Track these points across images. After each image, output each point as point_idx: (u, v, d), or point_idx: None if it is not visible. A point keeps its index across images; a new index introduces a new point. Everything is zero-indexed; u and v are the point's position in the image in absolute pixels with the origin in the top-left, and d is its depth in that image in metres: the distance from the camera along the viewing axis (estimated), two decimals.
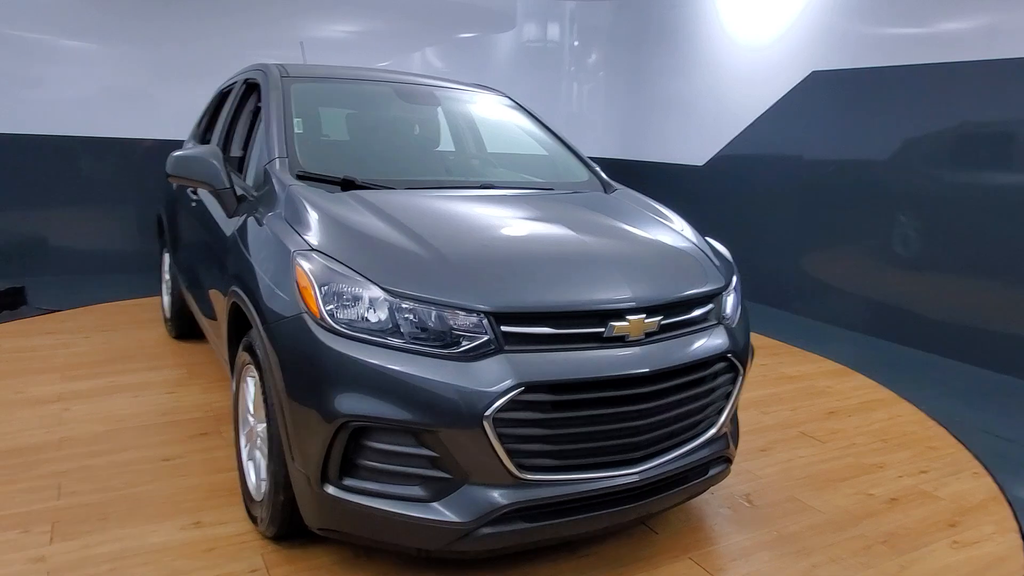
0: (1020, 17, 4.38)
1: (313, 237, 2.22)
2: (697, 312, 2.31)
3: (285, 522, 2.29)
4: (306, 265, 2.11)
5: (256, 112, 3.19)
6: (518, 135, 3.51)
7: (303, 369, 2.04)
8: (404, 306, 1.99)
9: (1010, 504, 2.90)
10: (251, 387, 2.52)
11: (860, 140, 5.45)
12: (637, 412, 2.09)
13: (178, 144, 4.53)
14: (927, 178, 4.98)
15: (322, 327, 2.01)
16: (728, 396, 2.38)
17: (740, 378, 2.39)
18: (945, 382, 4.42)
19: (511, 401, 1.91)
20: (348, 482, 2.02)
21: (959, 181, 4.80)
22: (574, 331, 2.05)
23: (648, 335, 2.14)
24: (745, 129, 6.41)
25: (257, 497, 2.44)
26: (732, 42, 6.57)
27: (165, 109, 6.30)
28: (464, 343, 1.97)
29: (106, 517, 2.54)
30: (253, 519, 2.47)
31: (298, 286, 2.10)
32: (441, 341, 1.97)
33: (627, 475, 2.10)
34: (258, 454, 2.45)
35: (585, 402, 2.02)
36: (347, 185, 2.58)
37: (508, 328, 1.99)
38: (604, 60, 8.09)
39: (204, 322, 3.49)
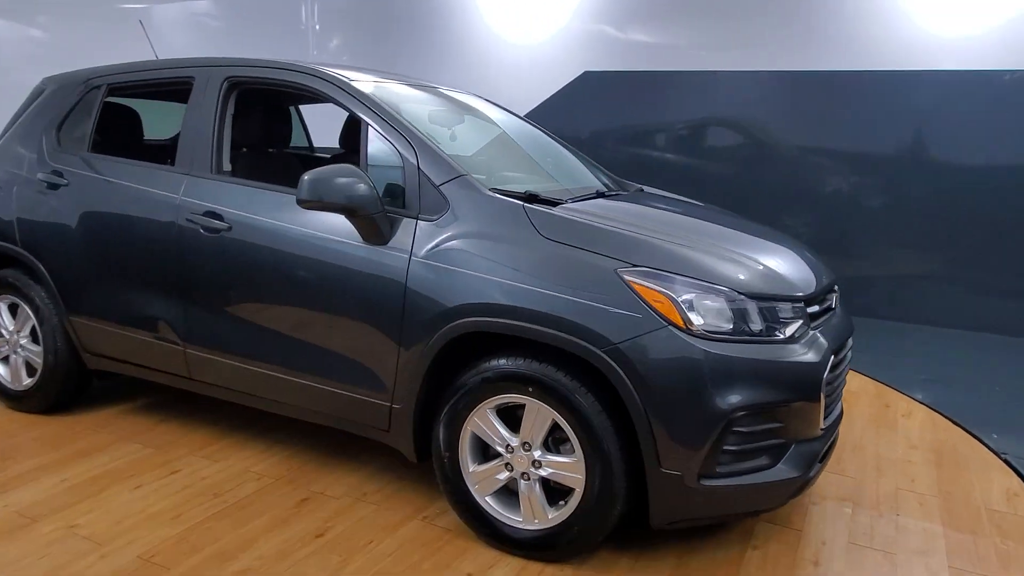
0: (751, 39, 5.97)
1: (619, 253, 2.28)
2: None
3: (603, 535, 2.34)
4: (649, 281, 2.21)
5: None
6: (539, 142, 3.64)
7: (680, 377, 2.16)
8: (749, 304, 2.27)
9: (888, 385, 4.29)
10: (492, 419, 2.42)
11: (626, 130, 6.66)
12: (845, 362, 2.72)
13: None
14: (677, 161, 6.42)
15: (693, 335, 2.17)
16: None
17: None
18: None
19: (830, 366, 2.38)
20: (719, 469, 2.24)
21: (700, 164, 6.33)
22: (823, 307, 2.58)
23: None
24: None
25: (540, 526, 2.39)
26: (498, 39, 7.17)
27: None
28: (788, 328, 2.34)
29: None
30: (527, 548, 2.42)
31: (647, 301, 2.18)
32: (775, 329, 2.31)
33: (839, 412, 2.73)
34: (533, 485, 2.39)
35: (841, 360, 2.58)
36: (528, 199, 2.57)
37: (809, 310, 2.43)
38: (348, 46, 7.92)
39: (278, 378, 2.83)
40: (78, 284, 3.24)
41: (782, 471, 2.31)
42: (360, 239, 2.57)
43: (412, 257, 2.49)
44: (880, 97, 5.62)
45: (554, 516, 2.38)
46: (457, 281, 2.41)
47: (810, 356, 2.31)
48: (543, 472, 2.38)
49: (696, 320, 2.19)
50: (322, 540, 2.51)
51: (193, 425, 3.42)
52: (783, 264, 2.56)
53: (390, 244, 2.54)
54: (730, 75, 6.09)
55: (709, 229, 2.88)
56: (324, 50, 7.82)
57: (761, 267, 2.42)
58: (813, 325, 2.43)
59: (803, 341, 2.34)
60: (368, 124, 2.70)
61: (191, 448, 3.18)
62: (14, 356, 3.52)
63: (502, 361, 2.38)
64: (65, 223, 3.23)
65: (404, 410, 2.58)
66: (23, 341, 3.47)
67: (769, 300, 2.31)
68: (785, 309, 2.34)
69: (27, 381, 3.50)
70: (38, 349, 3.42)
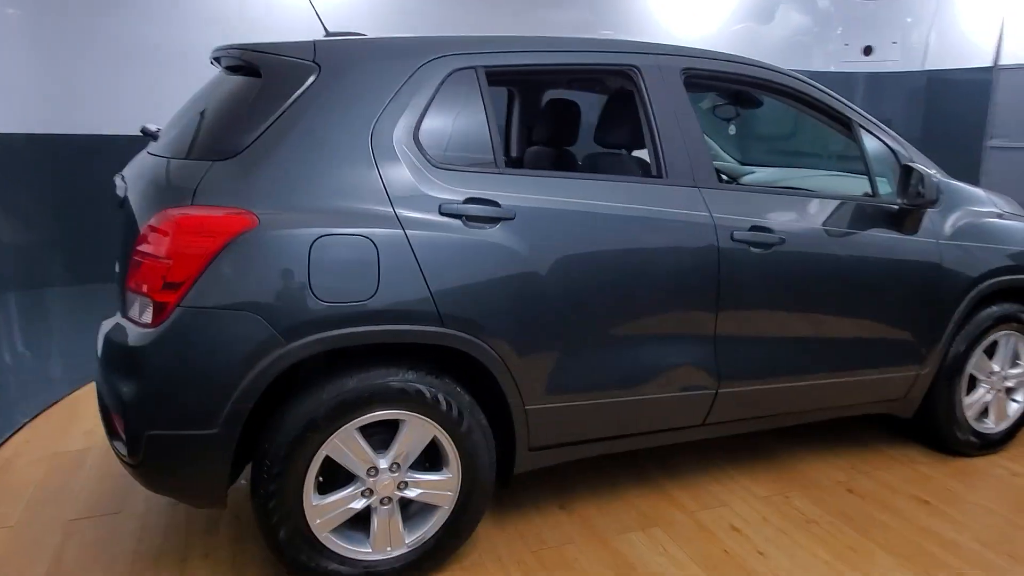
0: None
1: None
2: None
3: None
4: None
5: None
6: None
7: None
8: None
9: None
10: None
11: None
12: None
13: None
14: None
15: None
16: None
17: None
18: None
19: None
20: None
21: None
22: None
23: None
24: None
25: None
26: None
27: None
28: None
29: None
30: None
31: None
32: None
33: None
34: None
35: None
36: None
37: None
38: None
39: (818, 385, 2.79)
40: (549, 358, 2.30)
41: None
42: (897, 232, 2.81)
43: (938, 241, 2.89)
44: None
45: None
46: (978, 253, 2.95)
47: None
48: None
49: None
50: None
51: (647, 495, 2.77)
52: None
53: (920, 233, 2.86)
54: None
55: None
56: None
57: None
58: None
59: None
60: (863, 128, 2.85)
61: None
62: (381, 508, 2.16)
63: None
64: (526, 274, 2.21)
65: (928, 374, 2.98)
66: (388, 479, 2.16)
67: None
68: None
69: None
70: (441, 477, 2.22)
